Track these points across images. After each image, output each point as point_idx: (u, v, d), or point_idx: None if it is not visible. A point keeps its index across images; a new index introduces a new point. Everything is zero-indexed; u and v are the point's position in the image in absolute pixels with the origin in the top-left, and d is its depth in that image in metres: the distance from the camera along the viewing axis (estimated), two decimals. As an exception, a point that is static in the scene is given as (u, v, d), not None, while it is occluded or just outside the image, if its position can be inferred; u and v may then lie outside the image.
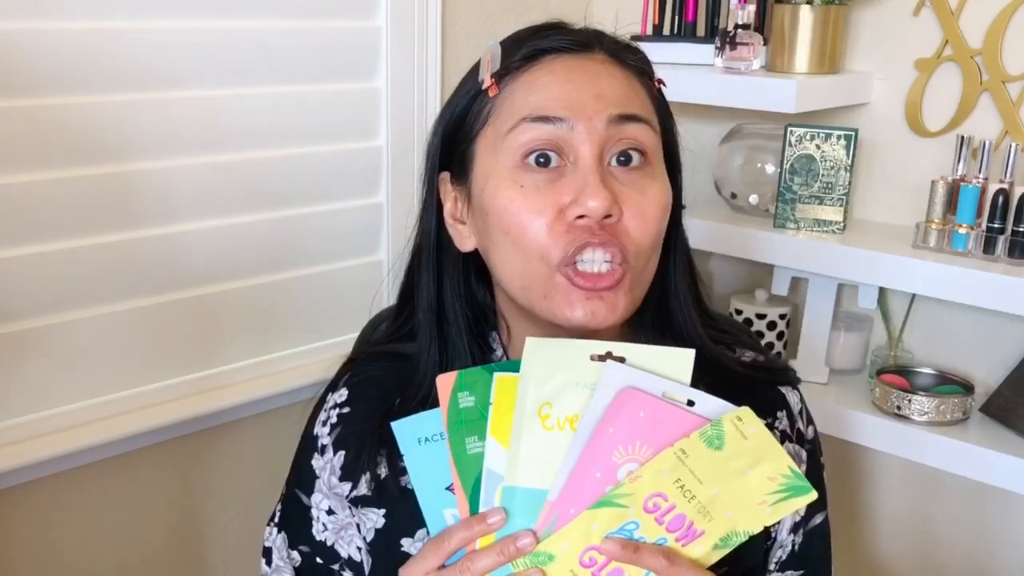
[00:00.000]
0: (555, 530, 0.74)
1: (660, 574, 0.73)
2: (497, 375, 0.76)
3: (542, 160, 0.80)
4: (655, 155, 0.84)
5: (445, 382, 0.77)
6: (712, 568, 0.75)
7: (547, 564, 0.74)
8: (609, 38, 0.86)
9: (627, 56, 0.86)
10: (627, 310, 0.82)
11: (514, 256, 0.82)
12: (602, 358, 0.75)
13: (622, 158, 0.82)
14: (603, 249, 0.79)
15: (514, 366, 0.76)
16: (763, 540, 0.94)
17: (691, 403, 0.75)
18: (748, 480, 0.73)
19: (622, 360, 0.75)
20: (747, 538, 0.74)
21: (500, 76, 0.83)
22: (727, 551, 0.75)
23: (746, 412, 0.74)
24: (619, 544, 0.73)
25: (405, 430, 0.78)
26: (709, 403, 0.75)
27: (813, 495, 0.73)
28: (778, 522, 0.91)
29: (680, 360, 0.76)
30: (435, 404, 0.77)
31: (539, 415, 0.75)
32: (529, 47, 0.83)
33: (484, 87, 0.83)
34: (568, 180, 0.80)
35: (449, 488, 0.77)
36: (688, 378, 0.76)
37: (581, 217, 0.79)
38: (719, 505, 0.73)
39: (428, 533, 0.79)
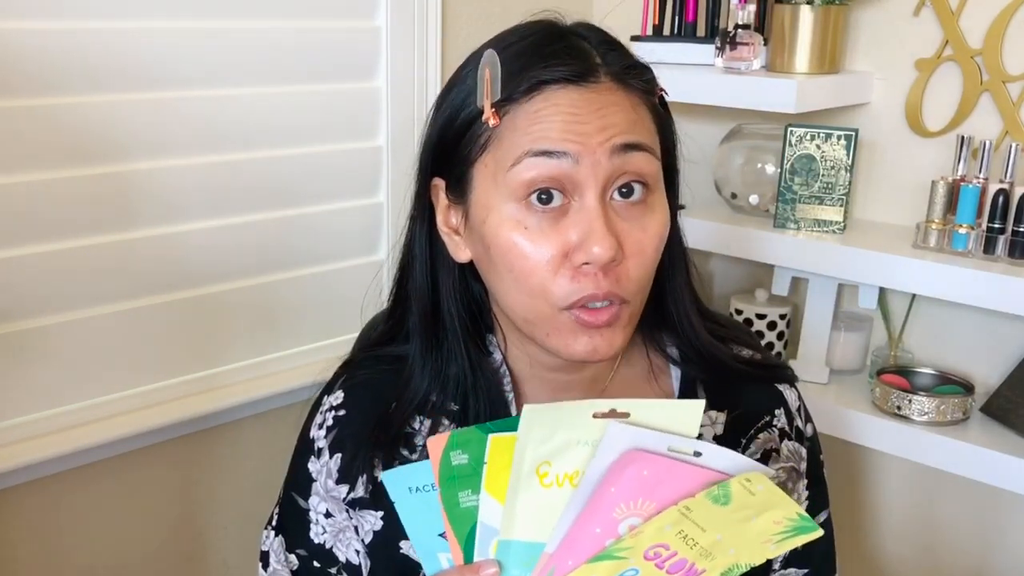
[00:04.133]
0: None
1: None
2: (492, 436, 0.73)
3: (544, 197, 0.79)
4: (656, 182, 0.83)
5: (436, 444, 0.73)
6: None
7: None
8: (613, 57, 0.83)
9: (632, 80, 0.83)
10: (624, 343, 0.83)
11: (517, 293, 0.82)
12: (605, 415, 0.72)
13: (624, 189, 0.81)
14: (605, 299, 0.79)
15: (510, 424, 0.73)
16: None
17: (698, 454, 0.72)
18: (753, 525, 0.71)
19: (626, 415, 0.72)
20: (748, 569, 0.73)
21: (500, 104, 0.80)
22: None
23: (755, 475, 0.71)
24: None
25: (395, 480, 0.75)
26: (716, 456, 0.72)
27: (819, 532, 0.72)
28: None
29: (688, 412, 0.73)
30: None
31: (537, 473, 0.72)
32: (531, 79, 0.80)
33: (484, 118, 0.81)
34: (572, 220, 0.79)
35: (443, 535, 0.75)
36: (695, 431, 0.73)
37: (586, 263, 0.79)
38: (722, 547, 0.71)
39: None
